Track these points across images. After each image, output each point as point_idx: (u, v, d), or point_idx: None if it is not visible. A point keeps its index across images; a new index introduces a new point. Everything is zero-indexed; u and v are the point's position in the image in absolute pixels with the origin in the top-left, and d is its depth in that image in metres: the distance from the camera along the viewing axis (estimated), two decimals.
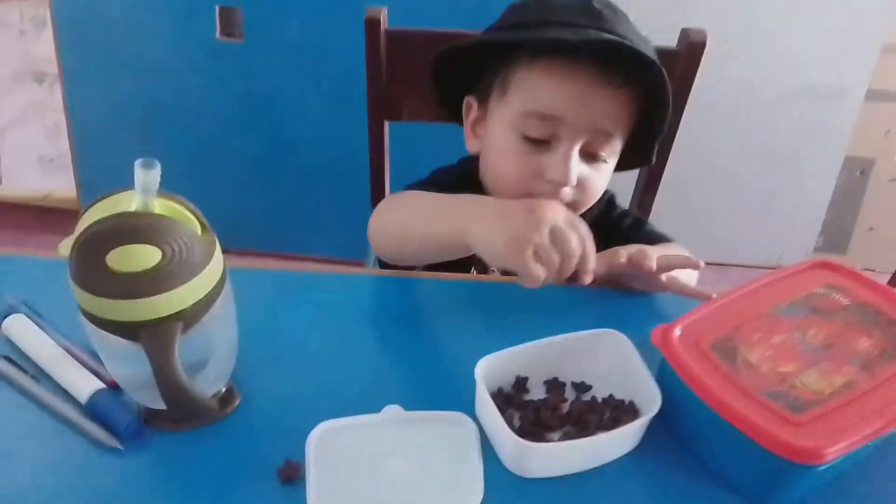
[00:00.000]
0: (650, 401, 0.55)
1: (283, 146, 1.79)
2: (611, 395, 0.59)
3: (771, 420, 0.50)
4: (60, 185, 2.02)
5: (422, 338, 0.67)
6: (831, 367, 0.54)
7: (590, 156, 0.75)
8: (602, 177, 0.79)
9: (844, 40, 1.79)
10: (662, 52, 0.80)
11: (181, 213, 0.50)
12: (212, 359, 0.55)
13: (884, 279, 1.66)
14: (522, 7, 0.78)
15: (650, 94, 0.74)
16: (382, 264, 0.82)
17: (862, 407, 0.51)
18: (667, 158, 1.05)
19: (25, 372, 0.59)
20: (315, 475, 0.52)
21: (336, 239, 1.76)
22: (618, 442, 0.55)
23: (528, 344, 0.59)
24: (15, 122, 2.01)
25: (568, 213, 0.59)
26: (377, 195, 1.12)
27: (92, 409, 0.56)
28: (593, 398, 0.60)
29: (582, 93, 0.71)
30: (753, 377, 0.53)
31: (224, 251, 0.53)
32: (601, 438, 0.53)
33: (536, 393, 0.60)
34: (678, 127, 1.01)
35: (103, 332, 0.49)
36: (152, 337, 0.48)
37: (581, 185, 0.76)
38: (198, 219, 0.51)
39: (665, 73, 0.70)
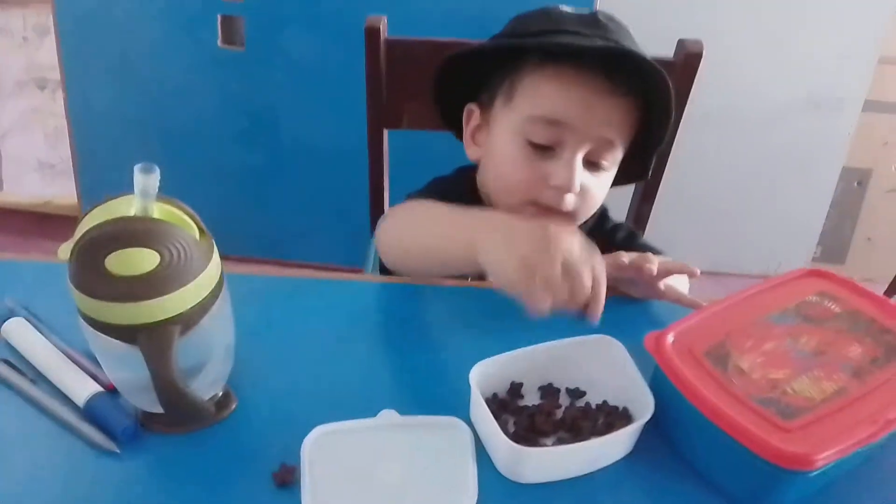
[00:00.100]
0: (643, 407, 0.55)
1: (284, 154, 1.80)
2: (605, 402, 0.60)
3: (762, 426, 0.50)
4: (61, 192, 2.02)
5: (417, 343, 0.68)
6: (822, 374, 0.55)
7: (592, 164, 0.76)
8: (603, 186, 0.80)
9: (842, 52, 1.81)
10: (659, 63, 0.81)
11: (179, 218, 0.50)
12: (209, 362, 0.55)
13: (882, 289, 1.67)
14: (527, 18, 0.79)
15: (651, 106, 0.75)
16: (383, 270, 0.82)
17: (853, 414, 0.52)
18: (663, 170, 1.05)
19: (24, 375, 0.60)
20: (310, 479, 0.52)
21: (335, 246, 1.76)
22: (611, 447, 0.55)
23: (523, 350, 0.60)
24: (16, 128, 2.02)
25: (583, 241, 0.56)
26: (376, 203, 1.12)
27: (89, 412, 0.56)
28: (587, 404, 0.60)
29: (588, 100, 0.72)
30: (745, 384, 0.54)
31: (223, 258, 0.54)
32: (595, 443, 0.54)
33: (531, 398, 0.61)
34: (674, 138, 1.02)
35: (102, 335, 0.50)
36: (150, 340, 0.49)
37: (583, 192, 0.76)
38: (196, 223, 0.51)
39: (670, 83, 0.71)
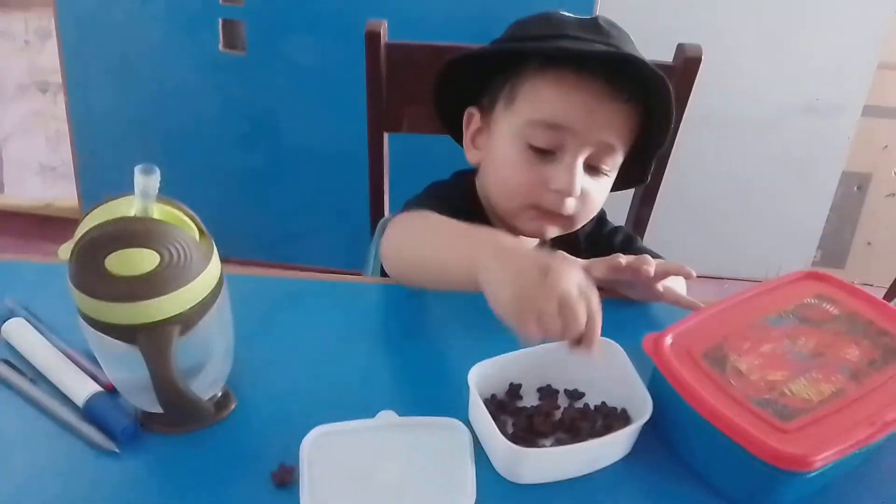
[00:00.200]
0: (642, 408, 0.56)
1: (284, 157, 1.80)
2: (603, 403, 0.60)
3: (760, 427, 0.50)
4: (62, 195, 2.03)
5: (416, 344, 0.68)
6: (820, 375, 0.55)
7: (592, 169, 0.77)
8: (603, 190, 0.80)
9: (842, 57, 1.81)
10: (659, 68, 0.81)
11: (179, 219, 0.51)
12: (208, 363, 0.56)
13: (881, 293, 1.67)
14: (528, 23, 0.79)
15: (651, 112, 0.75)
16: (383, 273, 0.82)
17: (850, 415, 0.52)
18: (663, 174, 1.06)
19: (24, 375, 0.60)
20: (309, 479, 0.52)
21: (335, 249, 1.77)
22: (609, 448, 0.55)
23: (522, 351, 0.60)
24: (18, 131, 2.03)
25: (584, 279, 0.55)
26: (376, 206, 1.13)
27: (89, 412, 0.57)
28: (586, 405, 0.60)
29: (590, 104, 0.72)
30: (743, 385, 0.54)
31: (223, 260, 0.54)
32: (593, 444, 0.54)
33: (529, 400, 0.61)
34: (673, 143, 1.02)
35: (101, 335, 0.50)
36: (149, 340, 0.49)
37: (583, 196, 0.77)
38: (196, 224, 0.51)
39: (671, 89, 0.71)
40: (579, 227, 0.82)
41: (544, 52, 0.74)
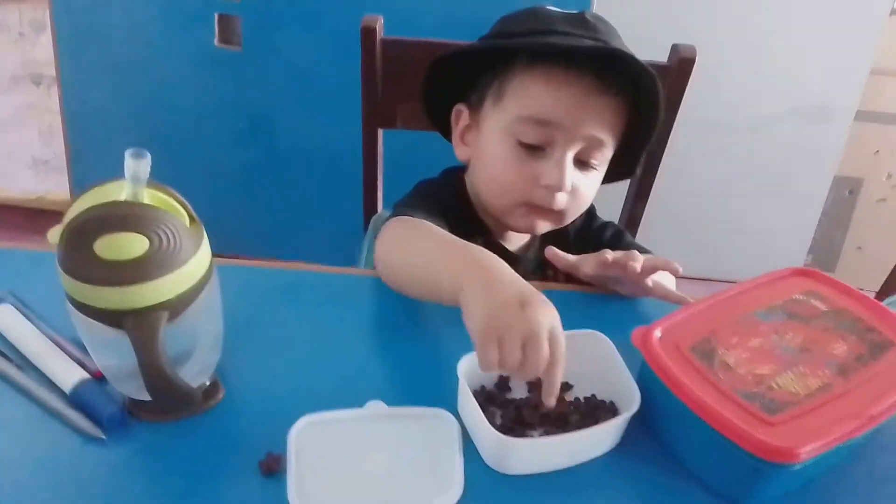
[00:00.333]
0: (630, 401, 0.56)
1: (279, 153, 1.80)
2: (592, 395, 0.60)
3: (747, 420, 0.51)
4: (54, 188, 2.02)
5: (406, 335, 0.68)
6: (807, 370, 0.55)
7: (582, 163, 0.77)
8: (593, 185, 0.80)
9: (835, 62, 1.82)
10: (653, 67, 0.82)
11: (170, 204, 0.51)
12: (196, 350, 0.55)
13: (871, 297, 1.67)
14: (515, 18, 0.79)
15: (640, 106, 0.76)
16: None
17: (836, 409, 0.52)
18: (656, 172, 1.06)
19: (11, 361, 0.60)
20: (296, 468, 0.52)
21: (328, 246, 1.76)
22: (597, 440, 0.55)
23: None
24: (11, 123, 2.02)
25: (556, 322, 0.54)
26: (370, 202, 1.13)
27: (76, 399, 0.56)
28: (575, 398, 0.60)
29: (578, 99, 0.73)
30: (731, 378, 0.54)
31: (217, 256, 0.54)
32: (580, 435, 0.54)
33: (518, 392, 0.61)
34: (667, 142, 1.03)
35: (89, 319, 0.49)
36: (137, 325, 0.48)
37: (573, 192, 0.77)
38: (186, 210, 0.51)
39: (658, 82, 0.72)
40: (570, 221, 0.82)
41: (533, 49, 0.74)
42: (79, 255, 0.47)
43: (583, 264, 0.70)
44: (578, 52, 0.71)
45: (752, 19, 1.79)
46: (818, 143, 1.93)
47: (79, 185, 1.89)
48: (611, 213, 0.99)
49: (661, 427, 0.57)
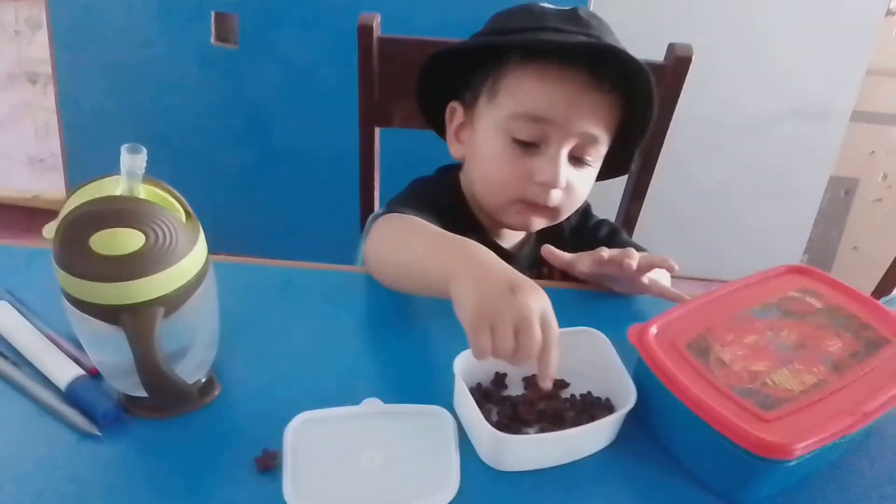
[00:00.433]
0: (626, 398, 0.56)
1: (275, 152, 1.79)
2: (588, 392, 0.60)
3: (742, 416, 0.51)
4: (50, 186, 2.01)
5: (402, 333, 0.68)
6: (802, 366, 0.55)
7: (576, 160, 0.77)
8: (587, 181, 0.80)
9: (831, 63, 1.83)
10: (650, 66, 0.82)
11: (166, 199, 0.51)
12: (192, 347, 0.55)
13: None
14: (508, 15, 0.79)
15: (633, 101, 0.76)
16: None
17: (831, 405, 0.52)
18: (652, 171, 1.06)
19: (6, 358, 0.60)
20: (292, 465, 0.52)
21: (325, 245, 1.76)
22: (592, 436, 0.56)
23: None
24: (6, 121, 2.01)
25: (548, 307, 0.54)
26: (366, 201, 1.12)
27: (71, 395, 0.56)
28: (571, 395, 0.60)
29: (572, 96, 0.73)
30: (726, 375, 0.54)
31: (214, 255, 0.54)
32: (576, 431, 0.54)
33: (515, 389, 0.61)
34: (664, 140, 1.03)
35: (85, 315, 0.49)
36: (133, 321, 0.48)
37: (567, 188, 0.77)
38: (182, 205, 0.51)
39: (651, 77, 0.72)
40: (564, 218, 0.82)
41: (526, 45, 0.74)
42: (74, 251, 0.47)
43: (579, 262, 0.71)
44: (571, 48, 0.71)
45: (749, 19, 1.79)
46: (814, 143, 1.93)
47: (74, 184, 1.88)
48: (607, 212, 0.99)
49: (656, 424, 0.57)
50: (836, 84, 1.86)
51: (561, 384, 0.61)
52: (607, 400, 0.59)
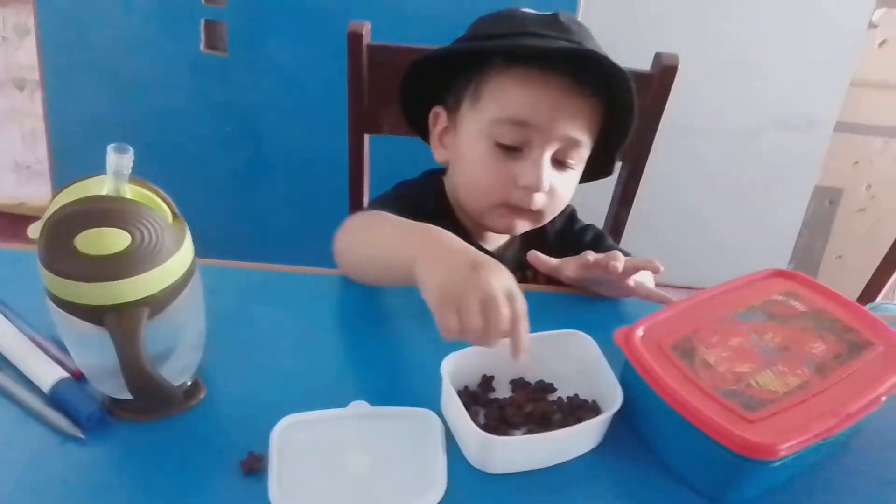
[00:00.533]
0: (613, 400, 0.56)
1: (265, 159, 1.79)
2: (575, 395, 0.60)
3: (727, 417, 0.51)
4: (36, 193, 2.00)
5: (389, 335, 0.68)
6: (786, 368, 0.56)
7: (559, 163, 0.77)
8: (570, 184, 0.81)
9: (816, 74, 1.85)
10: (636, 75, 0.83)
11: (152, 200, 0.50)
12: (178, 348, 0.55)
13: None
14: (490, 20, 0.80)
15: (614, 105, 0.77)
16: None
17: (815, 407, 0.53)
18: (639, 179, 1.07)
19: None
20: (277, 467, 0.52)
21: (314, 251, 1.76)
22: (579, 438, 0.56)
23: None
24: None
25: (512, 283, 0.55)
26: (356, 206, 1.12)
27: (55, 398, 0.56)
28: (558, 397, 0.60)
29: (555, 100, 0.73)
30: (711, 377, 0.55)
31: (200, 259, 0.53)
32: (563, 433, 0.54)
33: (502, 392, 0.61)
34: (650, 148, 1.04)
35: (70, 316, 0.49)
36: (118, 321, 0.48)
37: (550, 191, 0.78)
38: (169, 206, 0.51)
39: (632, 82, 0.73)
40: (548, 221, 0.83)
41: (508, 51, 0.75)
42: (59, 250, 0.47)
43: (565, 267, 0.71)
44: (553, 53, 0.72)
45: (735, 31, 1.81)
46: (799, 153, 1.95)
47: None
48: (593, 218, 0.99)
49: (643, 425, 0.57)
50: (821, 95, 1.88)
51: (548, 388, 0.61)
52: (594, 402, 0.59)
